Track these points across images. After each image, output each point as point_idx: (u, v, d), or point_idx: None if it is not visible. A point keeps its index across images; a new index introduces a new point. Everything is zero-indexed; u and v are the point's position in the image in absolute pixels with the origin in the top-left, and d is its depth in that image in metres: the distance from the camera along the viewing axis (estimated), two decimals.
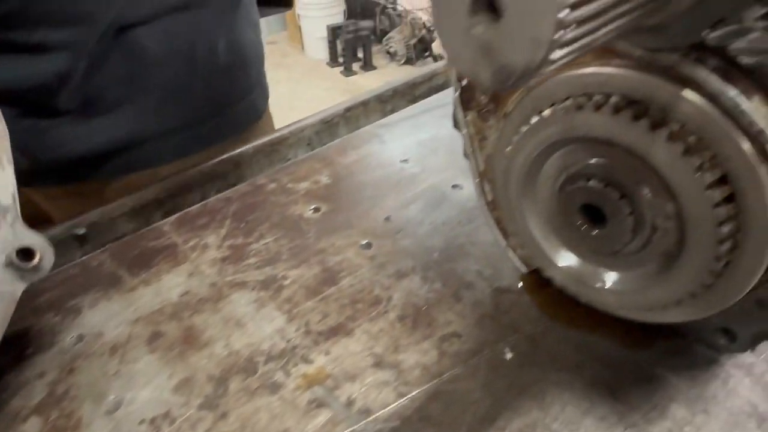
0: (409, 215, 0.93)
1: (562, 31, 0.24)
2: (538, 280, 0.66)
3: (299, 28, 6.30)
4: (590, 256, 0.57)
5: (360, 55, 6.19)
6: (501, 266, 0.75)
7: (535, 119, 0.53)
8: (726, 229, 0.45)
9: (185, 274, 0.80)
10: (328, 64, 6.29)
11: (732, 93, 0.41)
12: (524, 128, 0.54)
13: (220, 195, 0.98)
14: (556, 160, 0.55)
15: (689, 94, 0.43)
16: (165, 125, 1.06)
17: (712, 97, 0.42)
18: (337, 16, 6.12)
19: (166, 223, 0.90)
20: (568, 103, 0.50)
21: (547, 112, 0.52)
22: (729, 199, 0.45)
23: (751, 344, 0.55)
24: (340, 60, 6.19)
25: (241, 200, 0.97)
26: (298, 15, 6.14)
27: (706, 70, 0.42)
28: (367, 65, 6.17)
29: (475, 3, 0.26)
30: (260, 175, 1.05)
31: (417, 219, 0.92)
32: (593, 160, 0.51)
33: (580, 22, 0.24)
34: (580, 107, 0.49)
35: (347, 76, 6.07)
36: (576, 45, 0.25)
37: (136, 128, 1.01)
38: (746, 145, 0.42)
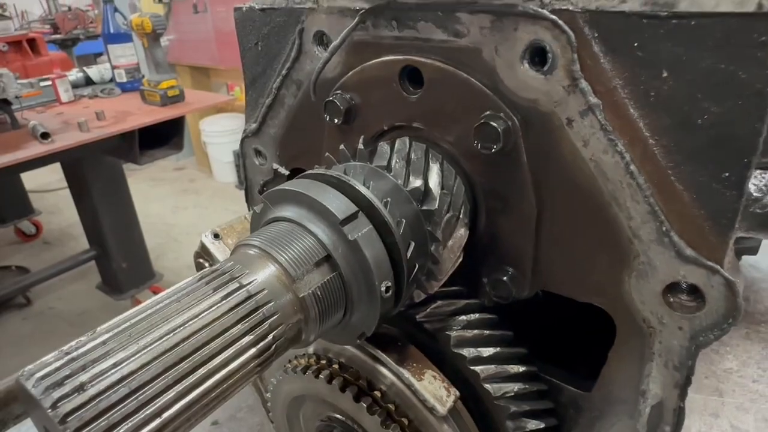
0: (240, 416, 0.92)
1: None
2: None
3: (206, 153, 6.40)
4: None
5: None
6: None
7: (279, 375, 0.56)
8: None
9: None
10: (237, 186, 6.37)
11: (407, 374, 0.47)
12: (273, 380, 0.57)
13: None
14: (309, 406, 0.58)
15: (384, 371, 0.49)
16: None
17: (397, 375, 0.48)
18: None
19: None
20: (302, 361, 0.54)
21: (288, 367, 0.56)
22: None
23: None
24: None
25: None
26: (204, 142, 6.26)
27: (385, 355, 0.48)
28: None
29: None
30: None
31: (249, 420, 0.91)
32: (331, 415, 0.55)
33: None
34: (306, 369, 0.53)
35: None
36: None
37: None
38: (432, 419, 0.47)
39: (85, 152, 2.85)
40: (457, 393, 0.48)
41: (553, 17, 0.40)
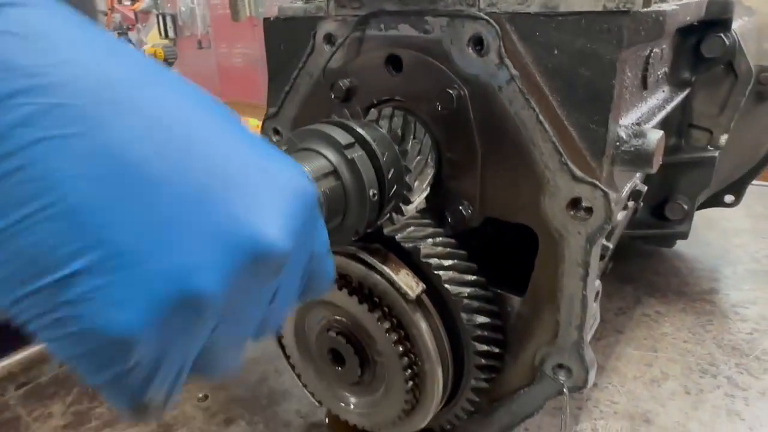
0: (246, 365, 1.08)
1: None
2: (336, 417, 0.83)
3: None
4: (345, 387, 0.76)
5: None
6: (315, 405, 0.91)
7: None
8: (405, 360, 0.66)
9: None
10: None
11: (387, 270, 0.65)
12: None
13: None
14: (312, 317, 0.76)
15: (372, 273, 0.67)
16: None
17: (380, 273, 0.66)
18: None
19: (12, 397, 0.99)
20: None
21: None
22: (407, 337, 0.67)
23: None
24: None
25: None
26: None
27: (372, 258, 0.66)
28: None
29: None
30: None
31: (254, 369, 1.07)
32: (329, 317, 0.72)
33: None
34: None
35: None
36: None
37: None
38: (405, 304, 0.65)
39: None
40: (424, 286, 0.66)
41: (486, 17, 0.61)
